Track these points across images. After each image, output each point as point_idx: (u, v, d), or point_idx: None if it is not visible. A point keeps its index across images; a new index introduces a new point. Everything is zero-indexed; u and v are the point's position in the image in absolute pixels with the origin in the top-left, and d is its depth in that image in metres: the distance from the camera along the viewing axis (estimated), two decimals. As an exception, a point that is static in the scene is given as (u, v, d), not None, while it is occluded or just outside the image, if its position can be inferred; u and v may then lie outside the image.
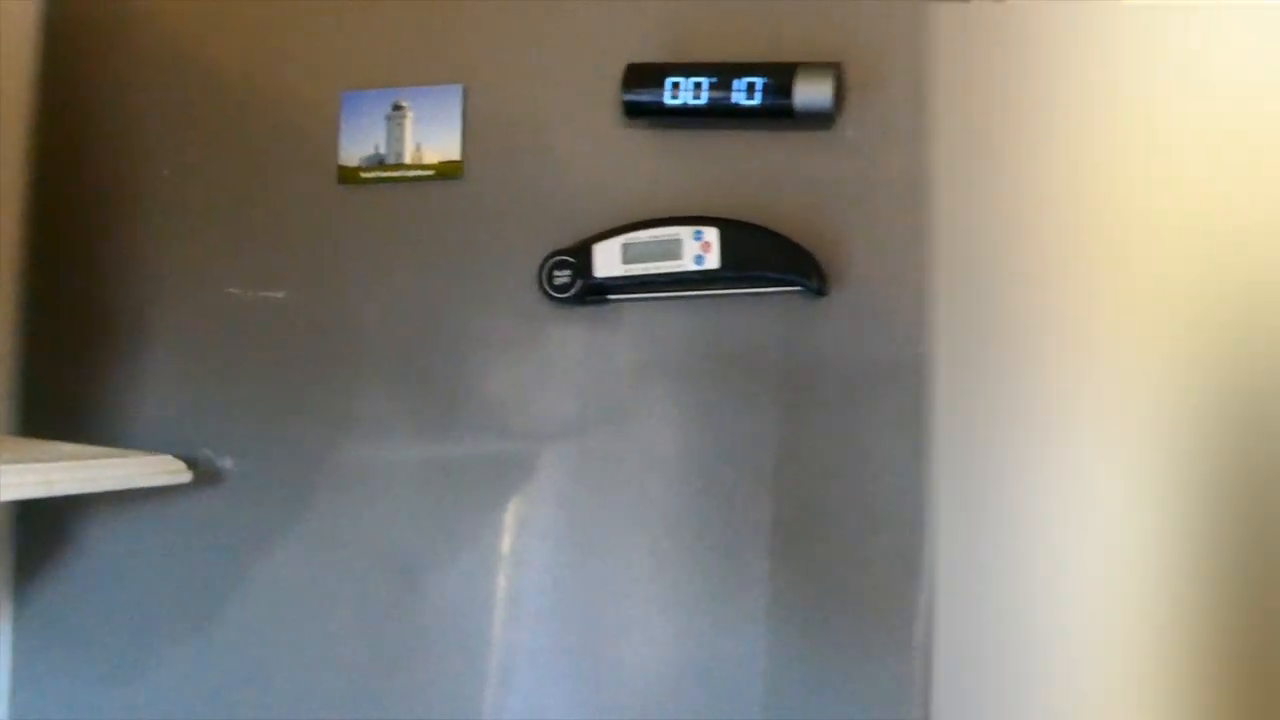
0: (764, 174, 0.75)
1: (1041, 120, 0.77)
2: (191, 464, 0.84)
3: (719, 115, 0.74)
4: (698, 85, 0.73)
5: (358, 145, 0.83)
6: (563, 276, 0.76)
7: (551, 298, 0.77)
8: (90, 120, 0.92)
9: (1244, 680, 0.70)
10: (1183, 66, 0.73)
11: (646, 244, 0.74)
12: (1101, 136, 0.75)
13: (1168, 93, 0.73)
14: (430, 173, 0.82)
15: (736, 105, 0.73)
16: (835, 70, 0.71)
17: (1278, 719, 0.69)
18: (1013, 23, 0.76)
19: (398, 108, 0.82)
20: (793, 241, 0.73)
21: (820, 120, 0.73)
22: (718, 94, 0.73)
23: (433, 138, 0.82)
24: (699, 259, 0.73)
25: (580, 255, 0.76)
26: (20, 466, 0.71)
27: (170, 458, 0.83)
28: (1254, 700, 0.70)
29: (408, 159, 0.82)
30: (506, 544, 0.80)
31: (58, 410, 0.91)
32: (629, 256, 0.75)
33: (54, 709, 0.91)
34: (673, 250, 0.74)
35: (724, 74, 0.73)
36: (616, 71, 0.76)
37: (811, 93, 0.71)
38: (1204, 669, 0.71)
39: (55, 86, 0.94)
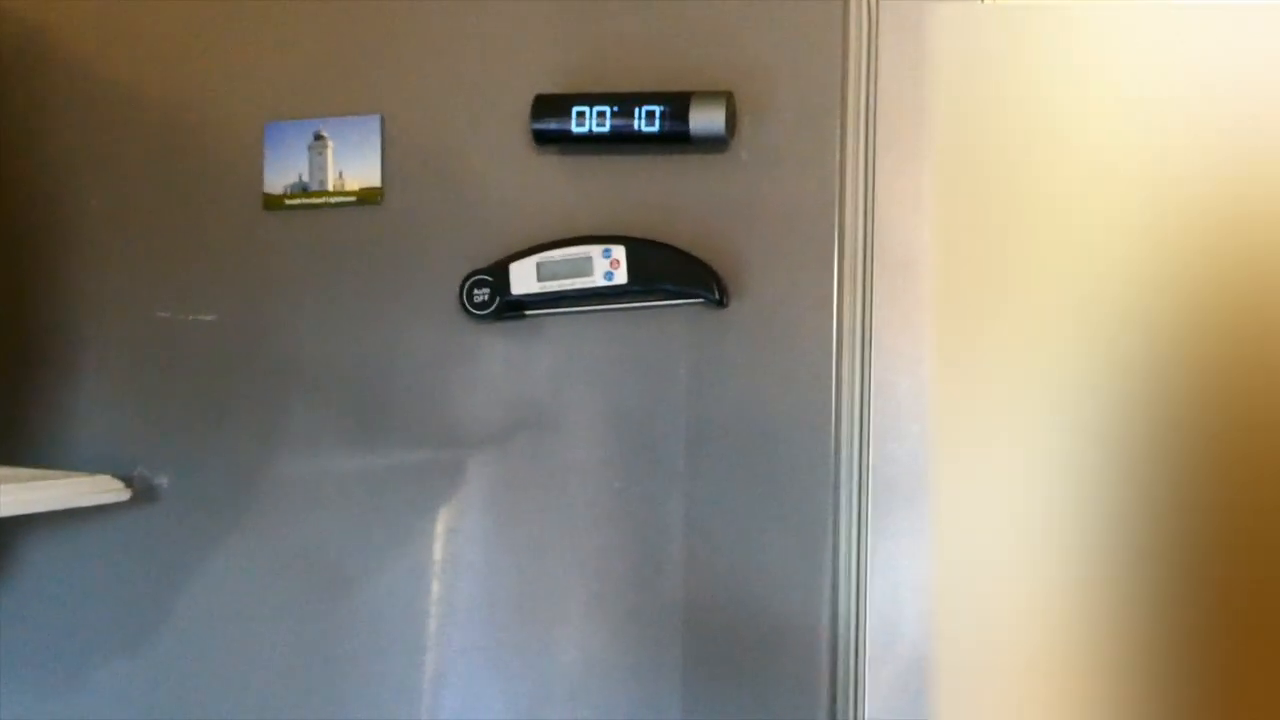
0: (666, 194, 0.78)
1: (943, 132, 0.81)
2: (127, 482, 0.86)
3: (622, 141, 0.77)
4: (601, 114, 0.77)
5: (281, 174, 0.85)
6: (482, 294, 0.79)
7: (472, 315, 0.80)
8: (16, 148, 0.92)
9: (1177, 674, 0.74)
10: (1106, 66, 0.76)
11: (559, 262, 0.78)
12: (1007, 142, 0.79)
13: (1091, 93, 0.77)
14: (352, 199, 0.84)
15: (638, 132, 0.76)
16: (727, 98, 0.76)
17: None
18: (893, 41, 0.81)
19: (319, 137, 0.84)
20: (694, 256, 0.77)
21: (715, 144, 0.77)
22: (620, 122, 0.77)
23: (353, 166, 0.84)
24: (609, 275, 0.77)
25: (497, 274, 0.79)
26: (-41, 491, 0.72)
27: (107, 477, 0.84)
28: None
29: (330, 186, 0.84)
30: (438, 551, 0.82)
31: (-7, 435, 0.92)
32: (543, 274, 0.78)
33: (-6, 729, 0.91)
34: (584, 267, 0.77)
35: (625, 103, 0.76)
36: (526, 102, 0.79)
37: (706, 119, 0.75)
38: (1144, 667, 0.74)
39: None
